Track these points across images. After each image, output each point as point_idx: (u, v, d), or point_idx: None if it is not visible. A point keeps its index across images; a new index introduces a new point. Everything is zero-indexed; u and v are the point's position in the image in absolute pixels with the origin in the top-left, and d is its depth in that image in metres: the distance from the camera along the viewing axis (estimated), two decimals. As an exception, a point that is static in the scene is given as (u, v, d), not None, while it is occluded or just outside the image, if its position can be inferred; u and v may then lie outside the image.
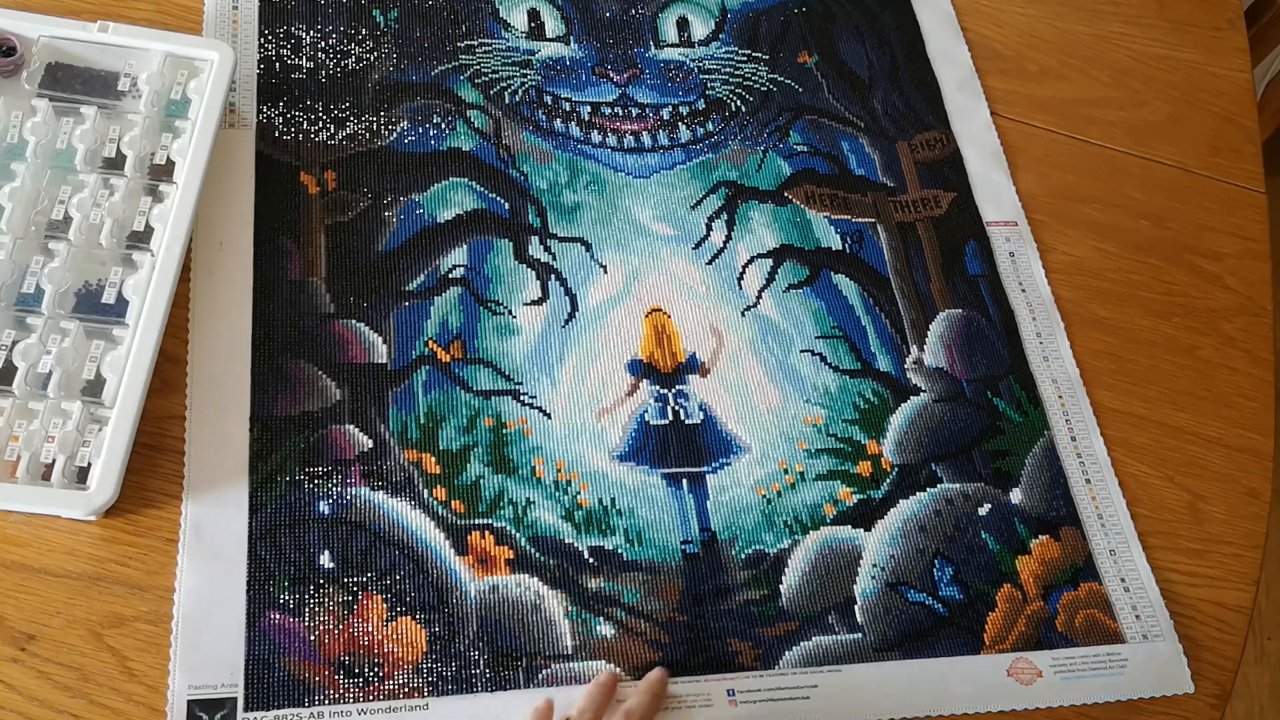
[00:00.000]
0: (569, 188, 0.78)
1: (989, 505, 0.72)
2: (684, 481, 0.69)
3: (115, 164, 0.69)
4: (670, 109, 0.82)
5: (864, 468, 0.72)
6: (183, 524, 0.62)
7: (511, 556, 0.65)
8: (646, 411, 0.71)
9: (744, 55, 0.86)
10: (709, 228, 0.78)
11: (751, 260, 0.78)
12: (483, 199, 0.76)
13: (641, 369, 0.72)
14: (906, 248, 0.80)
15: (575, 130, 0.80)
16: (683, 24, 0.86)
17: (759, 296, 0.76)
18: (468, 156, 0.77)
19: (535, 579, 0.65)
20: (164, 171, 0.69)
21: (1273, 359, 0.83)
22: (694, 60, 0.85)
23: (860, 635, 0.66)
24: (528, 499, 0.67)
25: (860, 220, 0.80)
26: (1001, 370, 0.76)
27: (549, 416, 0.70)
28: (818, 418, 0.73)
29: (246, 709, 0.58)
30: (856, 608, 0.67)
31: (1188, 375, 0.81)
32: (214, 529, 0.62)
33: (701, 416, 0.71)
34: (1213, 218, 0.88)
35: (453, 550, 0.64)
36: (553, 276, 0.74)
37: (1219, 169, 0.91)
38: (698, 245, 0.78)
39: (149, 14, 0.78)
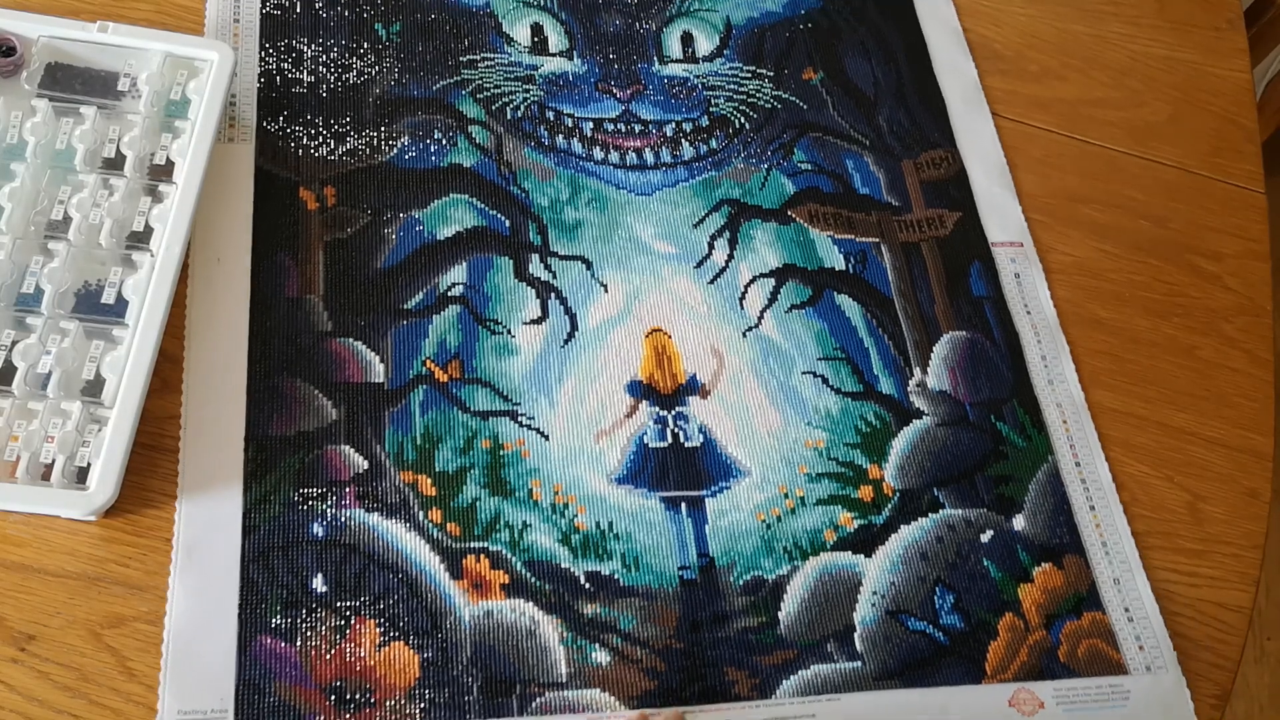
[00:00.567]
0: (570, 205, 0.77)
1: (991, 532, 0.71)
2: (683, 505, 0.68)
3: (115, 164, 0.69)
4: (673, 125, 0.82)
5: (865, 492, 0.71)
6: (175, 545, 0.62)
7: (507, 581, 0.64)
8: (645, 433, 0.70)
9: (748, 72, 0.85)
10: (711, 246, 0.78)
11: (754, 280, 0.77)
12: (483, 216, 0.75)
13: (641, 390, 0.72)
14: (910, 268, 0.79)
15: (577, 147, 0.79)
16: (687, 39, 0.86)
17: (761, 317, 0.76)
18: (469, 173, 0.77)
19: (531, 604, 0.64)
20: (164, 172, 0.69)
21: (1273, 359, 0.83)
22: (698, 76, 0.84)
23: (860, 664, 0.65)
24: (524, 522, 0.66)
25: (864, 240, 0.80)
26: (1005, 394, 0.76)
27: (547, 438, 0.69)
28: (819, 441, 0.72)
29: (236, 734, 0.58)
30: (856, 636, 0.66)
31: (1188, 375, 0.81)
32: (206, 551, 0.62)
33: (701, 439, 0.71)
34: (1213, 218, 0.88)
35: (447, 574, 0.64)
36: (553, 295, 0.74)
37: (1219, 169, 0.91)
38: (699, 264, 0.77)
39: (149, 14, 0.78)
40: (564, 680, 0.62)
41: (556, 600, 0.64)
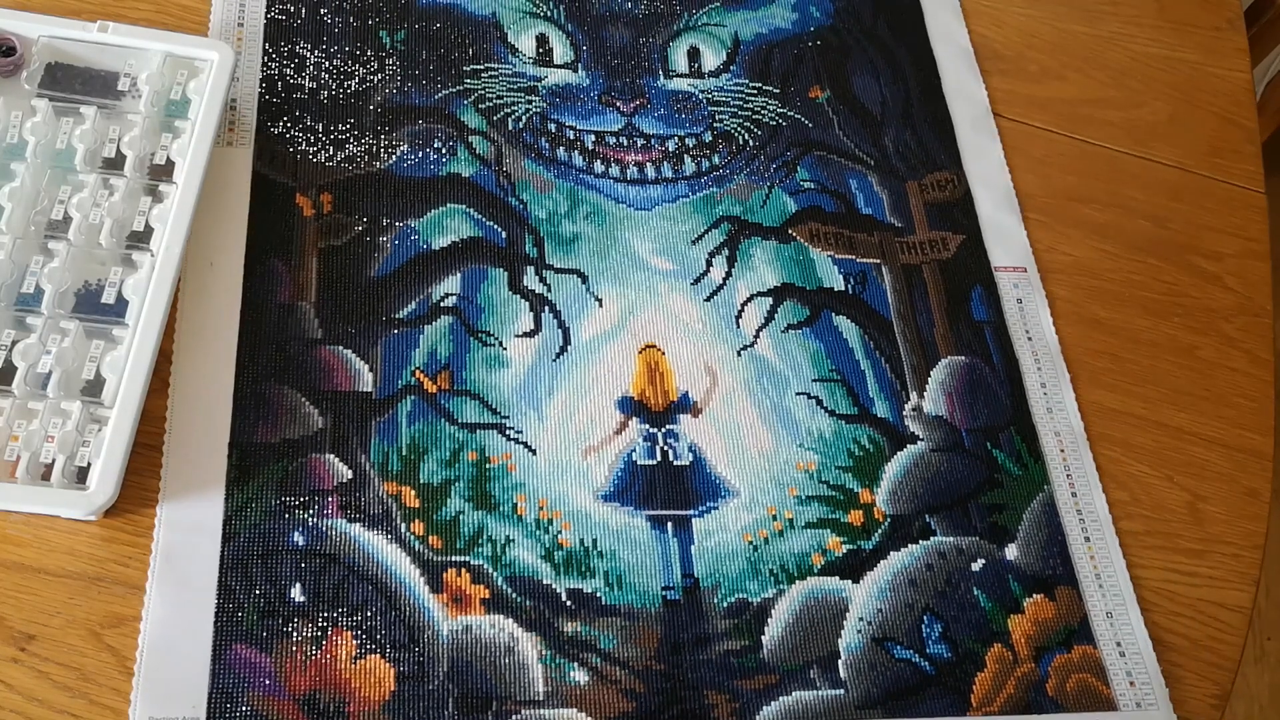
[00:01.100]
0: (568, 218, 0.77)
1: (983, 561, 0.70)
2: (669, 525, 0.68)
3: (115, 164, 0.69)
4: (676, 140, 0.81)
5: (855, 517, 0.70)
6: (154, 549, 0.61)
7: (487, 596, 0.64)
8: (634, 451, 0.69)
9: (754, 88, 0.85)
10: (709, 264, 0.77)
11: (751, 298, 0.76)
12: (480, 227, 0.75)
13: (632, 407, 0.71)
14: (911, 290, 0.78)
15: (578, 159, 0.79)
16: (694, 54, 0.85)
17: (757, 336, 0.75)
18: (467, 183, 0.76)
19: (510, 620, 0.63)
20: (164, 171, 0.69)
21: (1273, 359, 0.82)
22: (703, 91, 0.84)
23: (843, 691, 0.64)
24: (508, 537, 0.65)
25: (865, 260, 0.79)
26: (1003, 421, 0.75)
27: (534, 452, 0.68)
28: (810, 463, 0.71)
29: (207, 743, 0.57)
30: (840, 662, 0.65)
31: (1188, 375, 0.80)
32: (185, 557, 0.61)
33: (691, 458, 0.70)
34: (1213, 218, 0.88)
35: (427, 587, 0.63)
36: (546, 308, 0.73)
37: (1219, 169, 0.91)
38: (697, 281, 0.76)
39: (149, 14, 0.78)
40: (541, 699, 0.61)
41: (537, 617, 0.64)
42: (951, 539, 0.70)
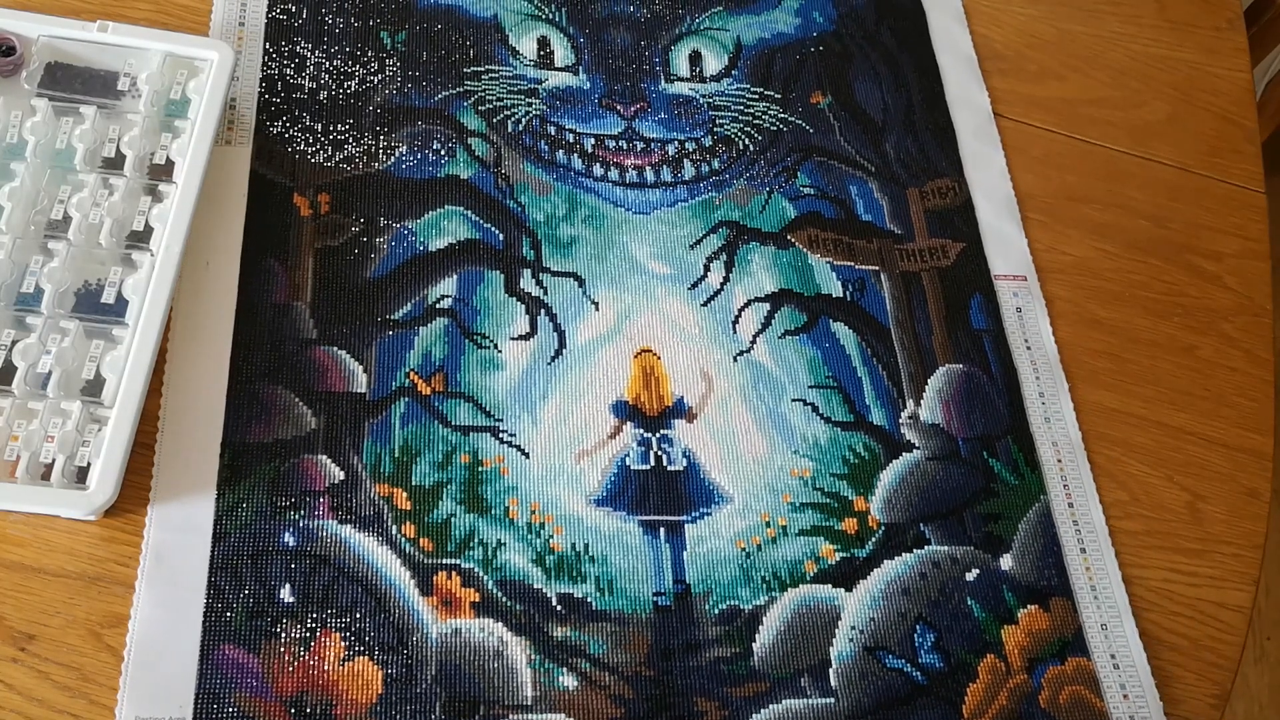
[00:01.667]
0: (566, 221, 0.77)
1: (977, 570, 0.69)
2: (661, 530, 0.67)
3: (115, 164, 0.69)
4: (676, 144, 0.81)
5: (849, 525, 0.69)
6: (144, 549, 0.61)
7: (477, 599, 0.63)
8: (628, 455, 0.69)
9: (756, 93, 0.84)
10: (707, 268, 0.77)
11: (748, 304, 0.76)
12: (477, 229, 0.75)
13: (626, 411, 0.71)
14: (910, 298, 0.78)
15: (577, 162, 0.79)
16: (695, 58, 0.85)
17: (753, 342, 0.75)
18: (465, 184, 0.76)
19: (500, 624, 0.63)
20: (163, 171, 0.69)
21: (1273, 359, 0.82)
22: (704, 96, 0.83)
23: (833, 700, 0.64)
24: (499, 540, 0.65)
25: (864, 267, 0.78)
26: (1000, 430, 0.74)
27: (527, 456, 0.68)
28: (805, 470, 0.71)
29: (193, 743, 0.57)
30: (831, 671, 0.65)
31: (1187, 375, 0.80)
32: (175, 556, 0.61)
33: (685, 463, 0.70)
34: (1213, 218, 0.88)
35: (417, 590, 0.63)
36: (542, 311, 0.73)
37: (1219, 169, 0.91)
38: (694, 286, 0.76)
39: (149, 14, 0.78)
40: (529, 703, 0.61)
41: (526, 621, 0.63)
42: (946, 548, 0.70)
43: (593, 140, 0.80)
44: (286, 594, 0.61)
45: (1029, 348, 0.78)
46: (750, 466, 0.70)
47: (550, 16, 0.84)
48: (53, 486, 0.60)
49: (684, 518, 0.68)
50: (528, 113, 0.80)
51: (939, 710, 0.65)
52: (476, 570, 0.64)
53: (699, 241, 0.78)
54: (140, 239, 0.67)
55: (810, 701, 0.64)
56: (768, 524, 0.69)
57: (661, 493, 0.68)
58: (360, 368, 0.69)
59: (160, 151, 0.70)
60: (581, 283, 0.75)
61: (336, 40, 0.79)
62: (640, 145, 0.80)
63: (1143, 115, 0.92)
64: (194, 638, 0.60)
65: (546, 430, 0.69)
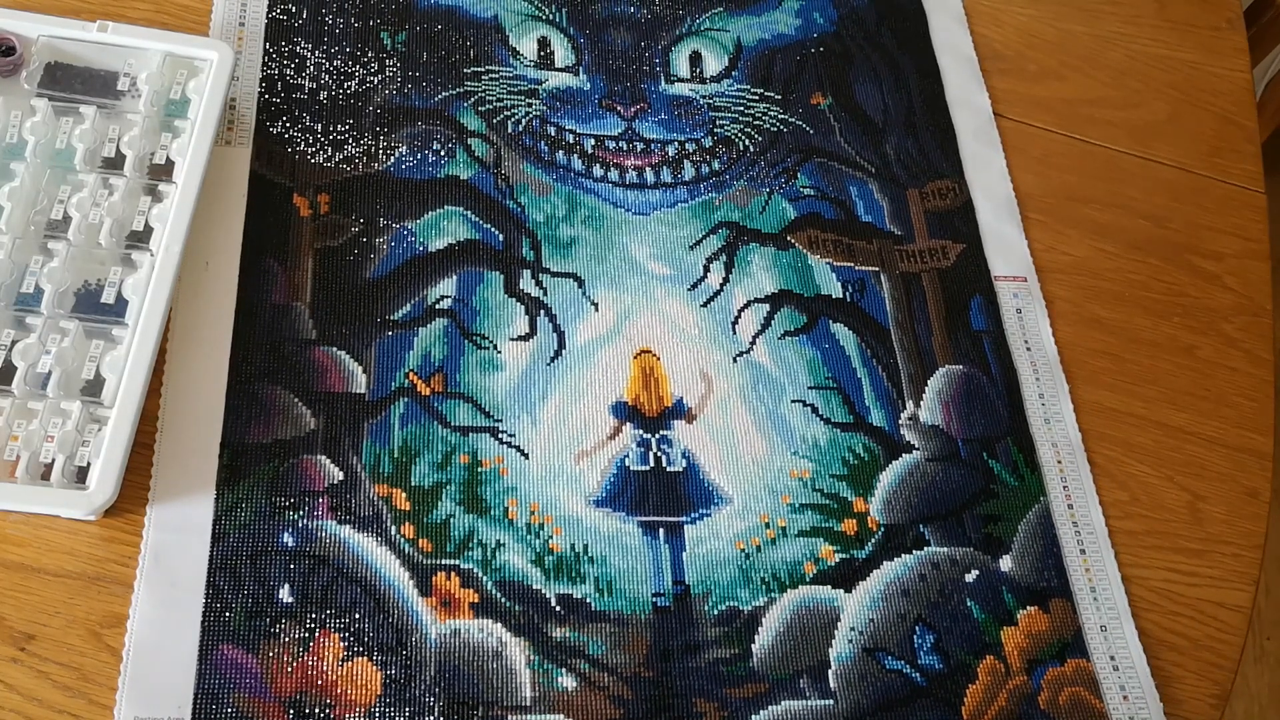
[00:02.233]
0: (566, 221, 0.77)
1: (977, 572, 0.69)
2: (661, 531, 0.67)
3: (115, 164, 0.69)
4: (676, 145, 0.81)
5: (849, 526, 0.69)
6: (142, 549, 0.61)
7: (476, 600, 0.63)
8: (627, 456, 0.69)
9: (756, 94, 0.84)
10: (707, 269, 0.77)
11: (748, 305, 0.76)
12: (477, 229, 0.75)
13: (626, 412, 0.71)
14: (910, 299, 0.78)
15: (577, 163, 0.79)
16: (695, 59, 0.85)
17: (753, 342, 0.74)
18: (465, 185, 0.76)
19: (499, 625, 0.63)
20: (163, 171, 0.69)
21: (1273, 359, 0.83)
22: (704, 97, 0.83)
23: (832, 702, 0.64)
24: (498, 541, 0.65)
25: (863, 268, 0.78)
26: (1000, 431, 0.74)
27: (526, 456, 0.68)
28: (804, 471, 0.71)
29: (192, 743, 0.57)
30: (830, 672, 0.65)
31: (1187, 375, 0.80)
32: (174, 556, 0.61)
33: (684, 464, 0.70)
34: (1213, 218, 0.88)
35: (416, 591, 0.63)
36: (542, 312, 0.73)
37: (1219, 169, 0.91)
38: (694, 286, 0.76)
39: (149, 14, 0.78)
40: (528, 704, 0.61)
41: (525, 622, 0.63)
42: (945, 549, 0.70)
43: (593, 141, 0.80)
44: (285, 594, 0.61)
45: (1029, 349, 0.78)
46: (750, 467, 0.70)
47: (550, 17, 0.84)
48: (52, 486, 0.60)
49: (683, 519, 0.68)
50: (528, 113, 0.80)
51: (938, 711, 0.64)
52: (475, 571, 0.64)
53: (699, 242, 0.78)
54: (140, 239, 0.67)
55: (809, 703, 0.64)
56: (767, 525, 0.69)
57: (661, 494, 0.68)
58: (359, 368, 0.68)
59: (160, 151, 0.70)
60: (581, 283, 0.74)
61: (336, 40, 0.79)
62: (640, 146, 0.80)
63: (1143, 115, 0.92)
64: (193, 638, 0.60)
65: (546, 431, 0.69)
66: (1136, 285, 0.83)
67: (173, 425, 0.65)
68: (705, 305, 0.75)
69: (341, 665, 0.60)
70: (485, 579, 0.64)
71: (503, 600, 0.64)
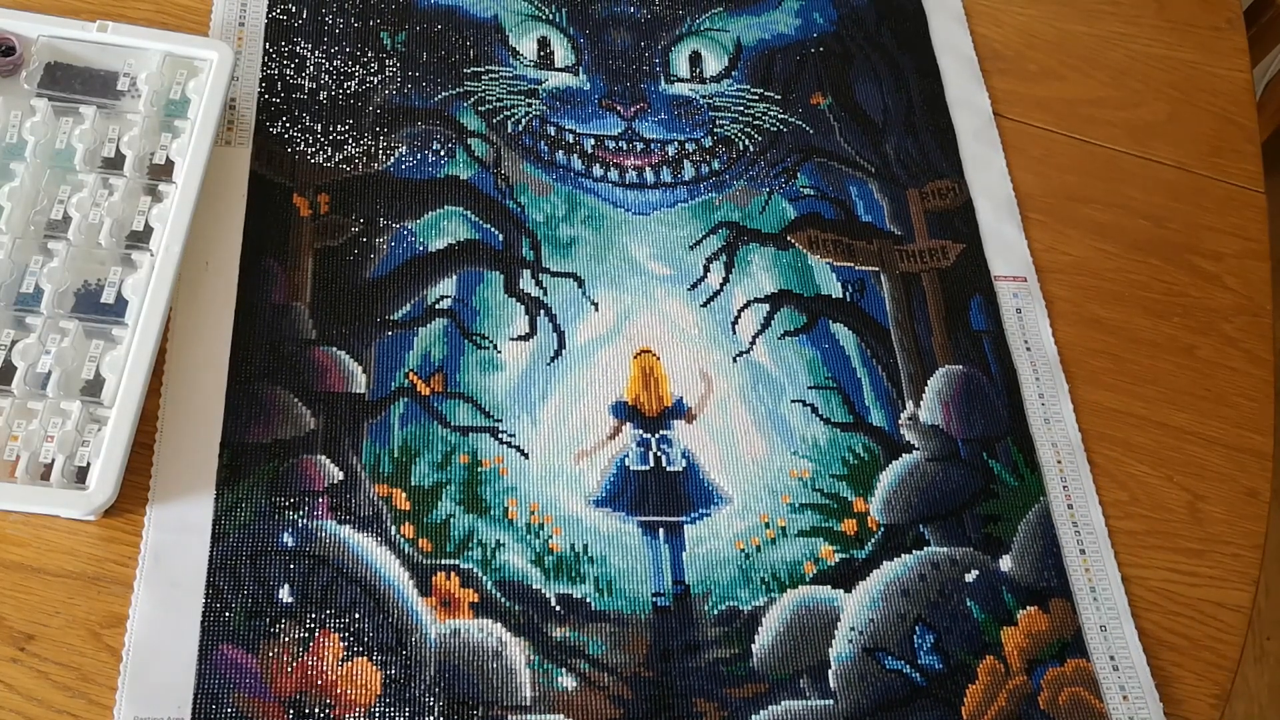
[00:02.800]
0: (566, 221, 0.77)
1: (977, 572, 0.69)
2: (660, 531, 0.67)
3: (114, 164, 0.69)
4: (676, 145, 0.81)
5: (849, 526, 0.69)
6: (142, 549, 0.61)
7: (476, 600, 0.63)
8: (627, 456, 0.69)
9: (756, 94, 0.84)
10: (707, 269, 0.77)
11: (748, 305, 0.76)
12: (477, 229, 0.75)
13: (626, 412, 0.71)
14: (909, 299, 0.78)
15: (576, 163, 0.79)
16: (695, 59, 0.85)
17: (753, 342, 0.74)
18: (465, 185, 0.76)
19: (499, 625, 0.63)
20: (163, 171, 0.69)
21: (1273, 359, 0.83)
22: (704, 97, 0.83)
23: (832, 702, 0.64)
24: (498, 541, 0.65)
25: (863, 268, 0.78)
26: (1000, 431, 0.74)
27: (526, 456, 0.68)
28: (804, 471, 0.71)
29: (192, 743, 0.57)
30: (830, 672, 0.65)
31: (1187, 375, 0.80)
32: (174, 556, 0.61)
33: (684, 464, 0.70)
34: (1213, 218, 0.88)
35: (416, 590, 0.63)
36: (542, 312, 0.73)
37: (1219, 169, 0.91)
38: (694, 286, 0.76)
39: (149, 14, 0.78)
40: (528, 704, 0.61)
41: (525, 622, 0.63)
42: (945, 549, 0.70)
43: (592, 141, 0.80)
44: (285, 594, 0.61)
45: (1029, 349, 0.78)
46: (750, 467, 0.70)
47: (550, 17, 0.84)
48: (52, 486, 0.60)
49: (683, 518, 0.68)
50: (527, 113, 0.80)
51: (938, 712, 0.64)
52: (475, 571, 0.64)
53: (699, 242, 0.78)
54: (140, 239, 0.67)
55: (809, 703, 0.64)
56: (767, 525, 0.69)
57: (661, 493, 0.68)
58: (359, 368, 0.68)
59: (160, 151, 0.70)
60: (581, 283, 0.74)
61: (336, 40, 0.79)
62: (640, 146, 0.80)
63: (1143, 115, 0.92)
64: (193, 638, 0.60)
65: (546, 431, 0.69)
66: (1136, 285, 0.83)
67: (173, 425, 0.65)
68: (705, 305, 0.75)
69: (341, 665, 0.60)
70: (485, 579, 0.64)
71: (502, 600, 0.64)
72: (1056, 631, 0.68)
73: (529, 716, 0.61)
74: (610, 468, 0.69)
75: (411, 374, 0.69)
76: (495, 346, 0.71)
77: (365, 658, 0.61)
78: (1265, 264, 0.87)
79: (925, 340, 0.76)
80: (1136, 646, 0.69)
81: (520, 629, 0.63)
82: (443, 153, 0.77)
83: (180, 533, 0.62)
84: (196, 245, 0.70)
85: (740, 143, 0.82)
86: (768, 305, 0.76)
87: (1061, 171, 0.87)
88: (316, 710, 0.59)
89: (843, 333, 0.76)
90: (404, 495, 0.65)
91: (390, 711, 0.60)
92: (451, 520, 0.65)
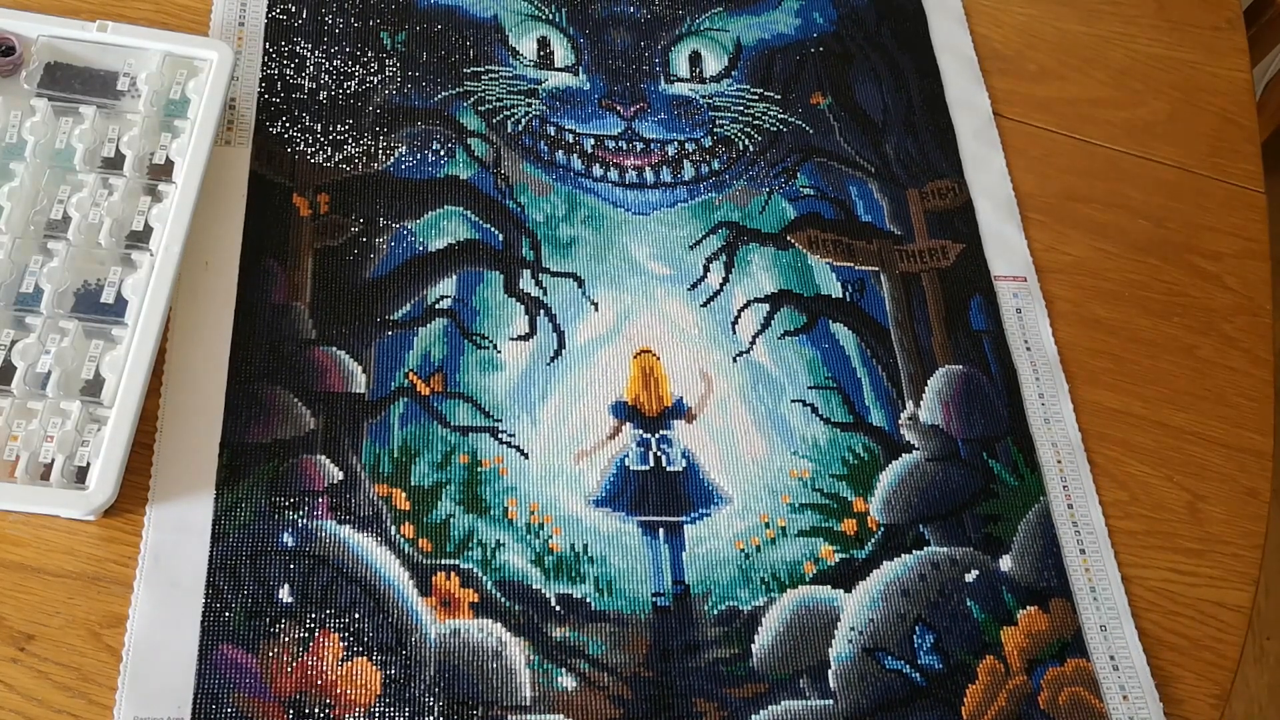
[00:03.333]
0: (566, 221, 0.77)
1: (977, 572, 0.69)
2: (660, 531, 0.67)
3: (114, 164, 0.69)
4: (676, 145, 0.81)
5: (849, 526, 0.69)
6: (142, 549, 0.61)
7: (476, 600, 0.63)
8: (627, 456, 0.69)
9: (755, 94, 0.84)
10: (706, 269, 0.77)
11: (748, 304, 0.76)
12: (477, 229, 0.75)
13: (626, 411, 0.71)
14: (909, 299, 0.78)
15: (576, 163, 0.79)
16: (695, 59, 0.85)
17: (753, 342, 0.74)
18: (465, 185, 0.76)
19: (499, 625, 0.63)
20: (163, 171, 0.69)
21: (1273, 359, 0.83)
22: (704, 96, 0.83)
23: (832, 702, 0.64)
24: (498, 541, 0.65)
25: (863, 268, 0.78)
26: (999, 431, 0.74)
27: (526, 456, 0.68)
28: (804, 471, 0.71)
29: (191, 743, 0.57)
30: (830, 672, 0.65)
31: (1187, 375, 0.80)
32: (174, 557, 0.61)
33: (684, 464, 0.69)
34: (1212, 218, 0.88)
35: (416, 590, 0.63)
36: (542, 312, 0.73)
37: (1219, 169, 0.91)
38: (694, 286, 0.76)
39: (149, 14, 0.78)
40: (528, 704, 0.61)
41: (525, 622, 0.63)
42: (945, 549, 0.70)
43: (592, 141, 0.80)
44: (285, 594, 0.61)
45: (1029, 349, 0.78)
46: (750, 467, 0.70)
47: (550, 17, 0.84)
48: (52, 486, 0.60)
49: (683, 518, 0.68)
50: (527, 113, 0.80)
51: (938, 712, 0.64)
52: (475, 571, 0.64)
53: (699, 242, 0.78)
54: (140, 239, 0.67)
55: (809, 703, 0.64)
56: (767, 525, 0.69)
57: (660, 493, 0.68)
58: (359, 368, 0.68)
59: (160, 151, 0.70)
60: (581, 283, 0.74)
61: (336, 40, 0.79)
62: (640, 146, 0.80)
63: (1143, 115, 0.92)
64: (192, 638, 0.60)
65: (546, 431, 0.69)
66: (1136, 285, 0.83)
67: (172, 425, 0.65)
68: (705, 305, 0.75)
69: (341, 665, 0.60)
70: (485, 579, 0.64)
71: (502, 600, 0.64)
72: (1056, 631, 0.68)
73: (529, 716, 0.61)
74: (610, 468, 0.69)
75: (411, 374, 0.69)
76: (495, 346, 0.71)
77: (365, 658, 0.61)
78: (1265, 264, 0.87)
79: (925, 340, 0.76)
80: (1136, 646, 0.69)
81: (520, 629, 0.63)
82: (443, 153, 0.77)
83: (180, 533, 0.62)
84: (196, 245, 0.70)
85: (740, 143, 0.82)
86: (768, 305, 0.76)
87: (1061, 171, 0.87)
88: (316, 710, 0.59)
89: (843, 333, 0.76)
90: (404, 495, 0.65)
91: (390, 711, 0.60)
92: (451, 520, 0.65)
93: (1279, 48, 1.27)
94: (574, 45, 0.84)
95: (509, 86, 0.81)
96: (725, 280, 0.76)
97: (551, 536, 0.66)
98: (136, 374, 0.62)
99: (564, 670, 0.62)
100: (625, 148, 0.80)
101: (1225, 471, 0.77)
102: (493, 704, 0.61)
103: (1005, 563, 0.70)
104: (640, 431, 0.70)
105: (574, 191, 0.78)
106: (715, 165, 0.81)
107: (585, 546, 0.66)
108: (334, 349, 0.69)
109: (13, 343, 0.63)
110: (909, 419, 0.74)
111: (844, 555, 0.68)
